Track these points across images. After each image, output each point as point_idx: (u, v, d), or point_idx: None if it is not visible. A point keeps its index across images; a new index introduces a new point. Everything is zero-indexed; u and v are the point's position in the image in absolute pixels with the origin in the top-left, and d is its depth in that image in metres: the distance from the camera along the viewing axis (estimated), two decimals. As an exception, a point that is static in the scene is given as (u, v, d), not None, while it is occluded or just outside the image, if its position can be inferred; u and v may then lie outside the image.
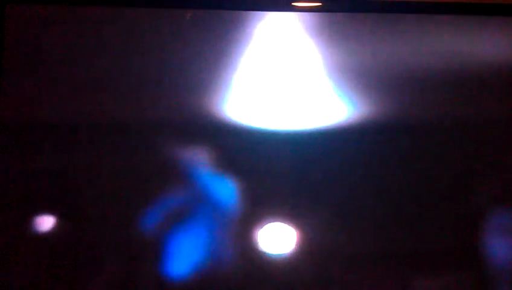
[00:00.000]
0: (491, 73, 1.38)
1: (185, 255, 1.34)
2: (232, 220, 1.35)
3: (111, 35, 1.38)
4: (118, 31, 1.38)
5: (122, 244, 1.34)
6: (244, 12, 1.38)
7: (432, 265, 1.35)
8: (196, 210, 1.35)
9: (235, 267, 1.34)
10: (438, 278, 1.35)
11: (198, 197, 1.36)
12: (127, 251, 1.34)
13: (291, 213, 1.35)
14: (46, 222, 1.34)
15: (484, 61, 1.39)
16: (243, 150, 1.36)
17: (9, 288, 1.32)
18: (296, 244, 1.35)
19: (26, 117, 1.36)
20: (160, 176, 1.35)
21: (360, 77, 1.38)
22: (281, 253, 1.35)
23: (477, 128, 1.38)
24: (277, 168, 1.36)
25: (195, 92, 1.37)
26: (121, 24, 1.38)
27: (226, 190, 1.35)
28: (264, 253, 1.35)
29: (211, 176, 1.35)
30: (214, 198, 1.35)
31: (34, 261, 1.33)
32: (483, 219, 1.36)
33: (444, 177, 1.36)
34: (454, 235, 1.35)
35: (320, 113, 1.38)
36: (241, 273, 1.34)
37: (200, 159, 1.36)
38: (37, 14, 1.38)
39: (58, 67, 1.37)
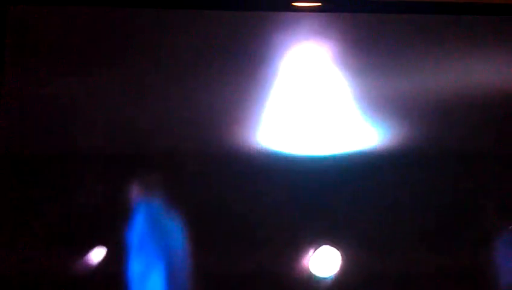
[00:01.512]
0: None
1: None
2: (270, 245, 1.35)
3: (112, 36, 1.39)
4: (118, 31, 1.39)
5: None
6: (244, 12, 1.39)
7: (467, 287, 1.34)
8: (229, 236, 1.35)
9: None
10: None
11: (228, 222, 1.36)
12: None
13: (326, 238, 1.35)
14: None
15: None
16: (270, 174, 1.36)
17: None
18: (335, 268, 1.35)
19: (26, 116, 1.37)
20: (189, 199, 1.36)
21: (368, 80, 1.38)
22: (322, 276, 1.35)
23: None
24: (305, 192, 1.36)
25: (192, 96, 1.38)
26: (121, 25, 1.39)
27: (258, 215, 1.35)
28: (306, 276, 1.35)
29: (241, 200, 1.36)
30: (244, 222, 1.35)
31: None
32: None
33: (475, 204, 1.36)
34: (486, 258, 1.34)
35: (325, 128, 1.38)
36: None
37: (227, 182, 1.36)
38: (38, 15, 1.38)
39: (60, 67, 1.38)
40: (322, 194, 1.35)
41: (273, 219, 1.35)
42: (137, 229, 1.34)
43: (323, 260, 1.35)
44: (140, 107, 1.36)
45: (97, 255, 1.32)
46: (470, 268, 1.35)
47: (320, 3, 1.39)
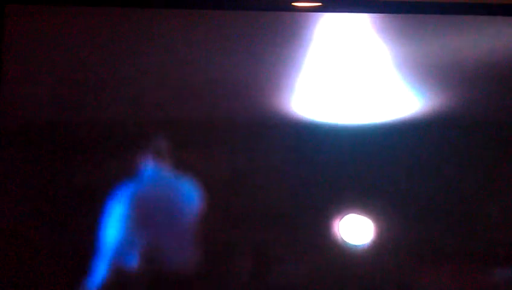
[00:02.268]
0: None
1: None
2: (305, 213, 1.36)
3: (111, 36, 1.38)
4: (117, 31, 1.38)
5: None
6: (244, 12, 1.38)
7: (503, 262, 1.35)
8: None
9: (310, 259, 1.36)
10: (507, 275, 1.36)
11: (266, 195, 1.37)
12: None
13: (361, 207, 1.36)
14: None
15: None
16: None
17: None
18: (369, 238, 1.36)
19: (24, 116, 1.36)
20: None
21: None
22: (355, 245, 1.36)
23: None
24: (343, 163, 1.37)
25: (199, 90, 1.38)
26: (120, 24, 1.38)
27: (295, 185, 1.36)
28: (340, 245, 1.36)
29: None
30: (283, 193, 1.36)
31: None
32: None
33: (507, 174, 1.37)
34: None
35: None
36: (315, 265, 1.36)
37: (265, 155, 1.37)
38: (36, 14, 1.38)
39: (58, 66, 1.37)
40: (347, 162, 1.37)
41: (300, 190, 1.36)
42: (151, 196, 1.36)
43: (351, 228, 1.36)
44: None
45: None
46: (497, 236, 1.36)
47: (320, 3, 1.39)
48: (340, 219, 1.36)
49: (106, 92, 1.37)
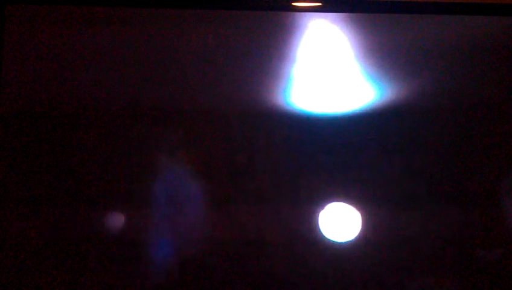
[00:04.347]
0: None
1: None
2: (290, 202, 1.36)
3: (111, 35, 1.38)
4: (116, 31, 1.38)
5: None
6: (244, 12, 1.39)
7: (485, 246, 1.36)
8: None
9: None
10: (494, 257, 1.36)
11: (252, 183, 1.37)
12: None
13: (345, 197, 1.37)
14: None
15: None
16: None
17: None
18: (346, 226, 1.37)
19: (24, 116, 1.36)
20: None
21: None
22: (339, 237, 1.37)
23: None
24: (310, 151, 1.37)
25: (199, 87, 1.38)
26: (119, 24, 1.39)
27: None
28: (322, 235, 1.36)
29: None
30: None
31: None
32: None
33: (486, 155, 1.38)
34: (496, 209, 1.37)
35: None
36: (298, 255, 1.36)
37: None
38: (36, 14, 1.38)
39: (58, 66, 1.38)
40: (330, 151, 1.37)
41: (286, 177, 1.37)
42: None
43: (333, 217, 1.36)
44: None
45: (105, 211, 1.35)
46: (482, 220, 1.36)
47: (320, 3, 1.39)
48: (324, 208, 1.36)
49: (106, 91, 1.38)
